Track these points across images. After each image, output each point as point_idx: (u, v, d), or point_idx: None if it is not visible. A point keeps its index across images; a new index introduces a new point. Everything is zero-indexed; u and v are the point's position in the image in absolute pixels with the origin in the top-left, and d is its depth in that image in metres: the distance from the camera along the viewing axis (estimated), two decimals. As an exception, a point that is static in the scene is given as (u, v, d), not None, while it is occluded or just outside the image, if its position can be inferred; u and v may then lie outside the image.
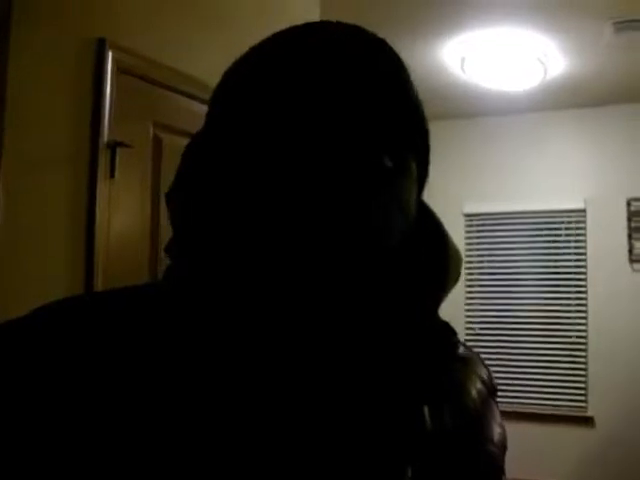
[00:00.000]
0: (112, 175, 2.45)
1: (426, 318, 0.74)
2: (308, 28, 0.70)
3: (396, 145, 0.66)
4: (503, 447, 0.79)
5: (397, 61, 0.71)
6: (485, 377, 0.82)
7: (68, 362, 0.62)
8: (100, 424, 0.60)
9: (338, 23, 0.71)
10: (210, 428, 0.61)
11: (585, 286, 5.75)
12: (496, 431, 0.79)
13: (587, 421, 5.63)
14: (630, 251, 5.60)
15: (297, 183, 0.61)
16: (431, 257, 0.75)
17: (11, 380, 0.62)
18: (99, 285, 2.37)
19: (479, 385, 0.79)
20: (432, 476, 0.68)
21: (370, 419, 0.66)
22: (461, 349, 0.82)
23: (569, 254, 5.87)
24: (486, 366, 0.86)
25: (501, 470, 0.78)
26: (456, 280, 0.77)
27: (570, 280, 5.84)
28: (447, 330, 0.77)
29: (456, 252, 0.78)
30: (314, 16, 3.49)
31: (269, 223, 0.62)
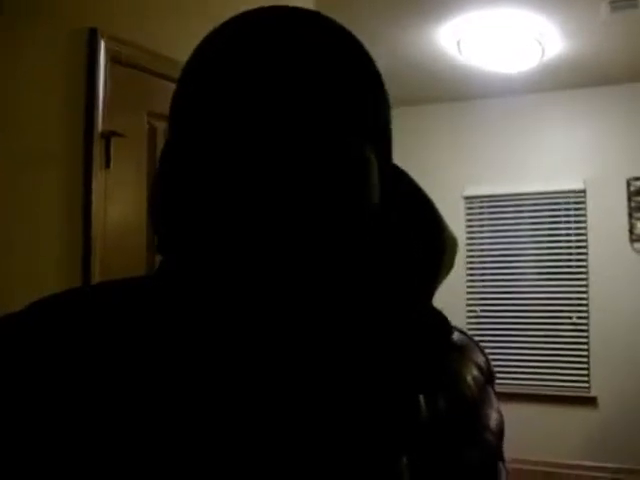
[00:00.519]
0: (107, 165, 2.44)
1: (420, 306, 0.74)
2: (267, 15, 0.68)
3: (348, 129, 0.64)
4: (500, 433, 0.79)
5: (359, 50, 0.69)
6: (482, 363, 0.82)
7: (62, 359, 0.62)
8: (95, 421, 0.60)
9: (297, 8, 0.70)
10: (206, 419, 0.61)
11: (586, 266, 5.75)
12: (493, 417, 0.78)
13: (590, 401, 5.64)
14: (630, 231, 5.59)
15: (265, 173, 0.61)
16: (426, 243, 0.74)
17: (2, 378, 0.61)
18: (96, 275, 2.37)
19: (475, 372, 0.79)
20: (428, 464, 0.68)
21: (365, 407, 0.66)
22: (458, 335, 0.82)
23: (570, 235, 5.86)
24: (483, 352, 0.85)
25: (498, 457, 0.78)
26: (451, 266, 0.77)
27: (571, 261, 5.84)
28: (441, 318, 0.76)
29: (451, 238, 0.77)
30: (309, 6, 3.46)
31: (245, 214, 0.61)
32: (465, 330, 0.85)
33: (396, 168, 0.76)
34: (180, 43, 2.71)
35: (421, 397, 0.69)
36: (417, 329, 0.72)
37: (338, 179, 0.63)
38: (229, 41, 0.66)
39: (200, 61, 0.67)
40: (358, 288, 0.68)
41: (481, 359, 0.82)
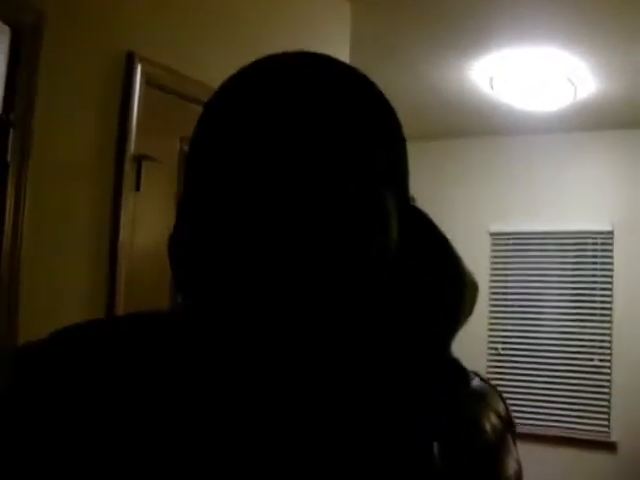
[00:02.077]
0: (137, 188, 2.47)
1: (437, 354, 0.74)
2: (283, 61, 0.69)
3: (364, 172, 0.65)
4: None
5: (374, 93, 0.70)
6: (501, 411, 0.81)
7: (77, 387, 0.66)
8: (102, 434, 0.63)
9: (312, 53, 0.70)
10: (210, 440, 0.63)
11: (610, 309, 5.69)
12: (511, 467, 0.77)
13: (610, 446, 5.56)
14: (657, 275, 5.54)
15: (278, 220, 0.61)
16: (445, 289, 0.74)
17: (22, 401, 0.66)
18: (121, 296, 2.38)
19: (494, 420, 0.78)
20: None
21: (376, 453, 0.66)
22: (478, 382, 0.81)
23: (595, 276, 5.82)
24: (503, 400, 0.84)
25: None
26: (470, 313, 0.77)
27: (595, 302, 5.79)
28: (458, 366, 0.76)
29: (472, 283, 0.77)
30: (344, 42, 3.48)
31: (259, 260, 0.62)
32: (486, 377, 0.85)
33: (415, 209, 0.76)
34: (214, 68, 2.75)
35: (435, 445, 0.69)
36: (433, 377, 0.72)
37: (353, 224, 0.63)
38: (244, 90, 0.67)
39: (215, 111, 0.68)
40: (372, 336, 0.69)
41: (501, 407, 0.81)
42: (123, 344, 0.69)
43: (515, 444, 0.82)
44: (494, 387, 0.85)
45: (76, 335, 0.71)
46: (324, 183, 0.62)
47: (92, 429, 0.63)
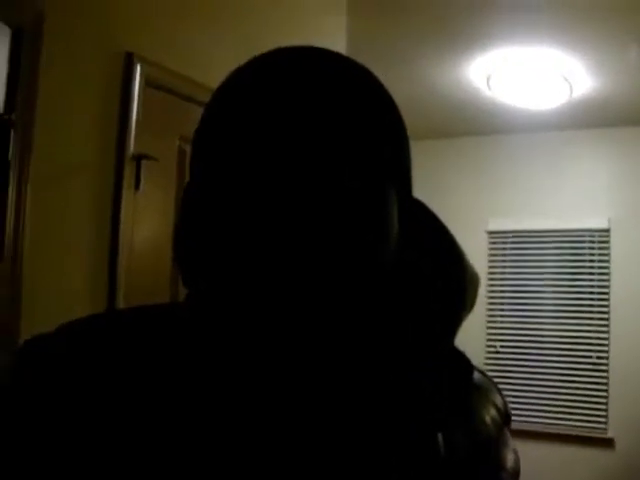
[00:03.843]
0: (137, 187, 2.48)
1: (442, 345, 0.75)
2: (287, 56, 0.69)
3: (366, 166, 0.65)
4: (516, 474, 0.79)
5: (377, 88, 0.71)
6: (499, 404, 0.83)
7: (83, 382, 0.66)
8: (104, 432, 0.63)
9: (316, 48, 0.70)
10: (210, 432, 0.63)
11: (608, 306, 5.69)
12: (509, 458, 0.79)
13: (607, 443, 5.56)
14: (654, 272, 5.54)
15: (283, 213, 0.62)
16: (448, 282, 0.75)
17: (28, 397, 0.66)
18: (121, 294, 2.40)
19: (493, 412, 0.79)
20: None
21: (380, 444, 0.67)
22: (476, 375, 0.82)
23: (592, 273, 5.82)
24: (501, 393, 0.86)
25: None
26: (472, 305, 0.78)
27: (593, 299, 5.79)
28: (462, 358, 0.77)
29: (475, 276, 0.78)
30: (341, 42, 3.49)
31: (264, 252, 0.62)
32: (484, 370, 0.86)
33: (418, 203, 0.77)
34: (212, 69, 2.76)
35: (440, 436, 0.70)
36: (439, 368, 0.73)
37: (358, 219, 0.64)
38: (248, 85, 0.67)
39: (220, 105, 0.69)
40: (374, 331, 0.70)
41: (499, 400, 0.83)
42: (129, 338, 0.69)
43: (511, 436, 0.83)
44: (492, 380, 0.86)
45: (83, 329, 0.71)
46: (328, 177, 0.62)
47: (95, 427, 0.63)
